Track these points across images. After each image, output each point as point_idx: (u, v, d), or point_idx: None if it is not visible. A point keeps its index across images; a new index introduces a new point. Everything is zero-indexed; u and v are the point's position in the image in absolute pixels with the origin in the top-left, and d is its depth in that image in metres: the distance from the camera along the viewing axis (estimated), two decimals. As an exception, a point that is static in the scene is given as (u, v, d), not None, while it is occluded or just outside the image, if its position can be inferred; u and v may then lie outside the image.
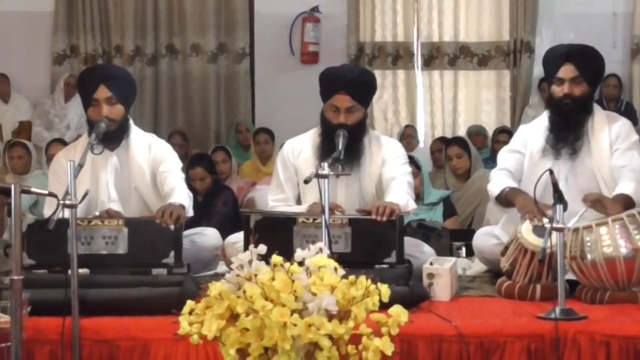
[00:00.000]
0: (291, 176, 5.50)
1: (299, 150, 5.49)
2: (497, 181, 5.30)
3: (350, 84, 5.28)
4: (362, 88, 5.37)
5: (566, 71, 5.24)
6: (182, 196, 5.11)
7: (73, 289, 4.06)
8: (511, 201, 5.12)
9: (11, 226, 3.69)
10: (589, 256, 4.57)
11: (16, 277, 3.58)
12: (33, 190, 3.87)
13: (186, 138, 9.91)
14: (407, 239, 5.07)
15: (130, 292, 4.52)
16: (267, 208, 5.54)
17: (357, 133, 5.29)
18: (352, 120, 5.26)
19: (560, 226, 4.35)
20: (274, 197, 5.53)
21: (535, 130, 5.40)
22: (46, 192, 4.05)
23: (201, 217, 6.31)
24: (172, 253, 4.81)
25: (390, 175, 5.33)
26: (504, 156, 5.45)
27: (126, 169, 5.31)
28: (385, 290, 3.32)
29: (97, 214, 5.04)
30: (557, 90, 5.27)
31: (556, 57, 5.33)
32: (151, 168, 5.31)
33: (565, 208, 4.41)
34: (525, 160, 5.35)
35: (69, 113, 10.36)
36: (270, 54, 10.75)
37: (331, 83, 5.34)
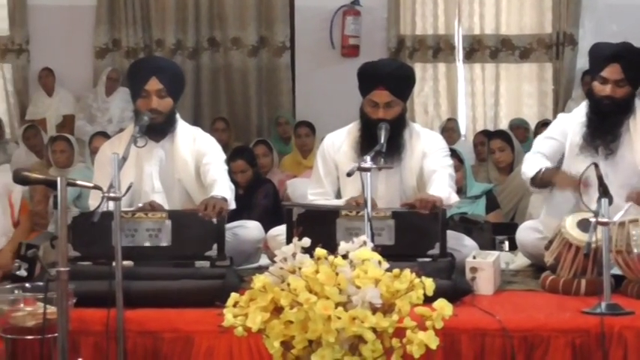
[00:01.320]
0: (330, 170, 5.49)
1: (339, 144, 5.48)
2: (532, 163, 5.24)
3: (388, 79, 5.26)
4: (400, 83, 5.35)
5: (612, 72, 5.16)
6: (224, 189, 5.12)
7: (118, 281, 4.08)
8: (548, 180, 5.07)
9: (57, 219, 3.71)
10: (635, 250, 4.52)
11: (61, 269, 3.60)
12: (78, 182, 3.89)
13: (229, 124, 9.94)
14: (449, 232, 5.05)
15: (173, 285, 4.55)
16: (306, 200, 5.54)
17: (397, 128, 5.27)
18: (391, 115, 5.24)
19: (605, 220, 4.31)
20: (313, 191, 5.53)
21: (574, 121, 5.33)
22: (91, 184, 4.06)
23: (242, 210, 6.32)
24: (215, 246, 4.82)
25: (431, 168, 5.30)
26: (540, 141, 5.41)
27: (170, 160, 5.34)
28: (429, 284, 3.31)
29: (141, 205, 5.07)
30: (599, 88, 5.21)
31: (603, 55, 5.24)
32: (195, 160, 5.33)
33: (610, 202, 4.37)
34: (565, 149, 5.29)
35: (111, 107, 10.42)
36: (311, 47, 10.74)
37: (369, 78, 5.32)
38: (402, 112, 5.33)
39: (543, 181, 5.13)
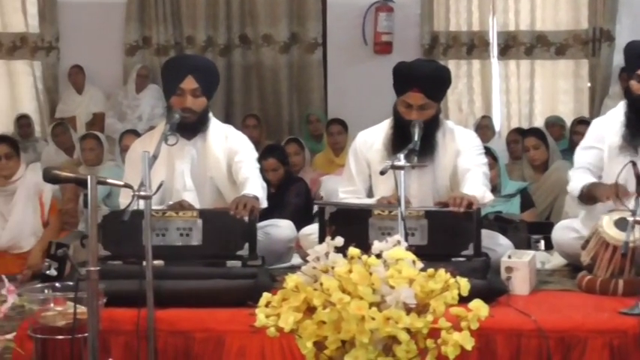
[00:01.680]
0: (362, 169, 5.49)
1: (371, 142, 5.48)
2: (577, 180, 5.21)
3: (423, 81, 5.23)
4: (436, 85, 5.33)
5: None
6: (256, 187, 5.13)
7: (148, 280, 4.08)
8: (592, 194, 5.05)
9: (87, 218, 3.72)
10: (674, 249, 4.49)
11: (92, 268, 3.61)
12: (109, 181, 3.90)
13: (260, 121, 9.95)
14: (483, 231, 5.02)
15: (204, 284, 4.55)
16: (337, 199, 5.54)
17: (430, 128, 5.25)
18: (425, 116, 5.22)
19: (642, 219, 4.29)
20: (344, 189, 5.53)
21: (610, 123, 5.29)
22: (122, 183, 4.07)
23: (274, 209, 6.32)
24: (247, 245, 4.83)
25: (465, 167, 5.29)
26: (580, 154, 5.36)
27: (202, 158, 5.35)
28: (464, 284, 3.29)
29: (171, 202, 5.08)
30: (636, 87, 5.16)
31: (638, 53, 5.20)
32: (227, 158, 5.34)
33: (649, 201, 4.34)
34: (604, 154, 5.25)
35: (141, 104, 10.46)
36: (343, 44, 10.73)
37: (404, 79, 5.30)
38: (435, 113, 5.32)
39: (588, 198, 5.10)
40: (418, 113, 5.20)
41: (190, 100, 5.23)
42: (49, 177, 3.90)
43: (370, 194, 5.45)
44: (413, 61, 5.60)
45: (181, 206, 4.99)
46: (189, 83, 5.24)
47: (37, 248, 6.66)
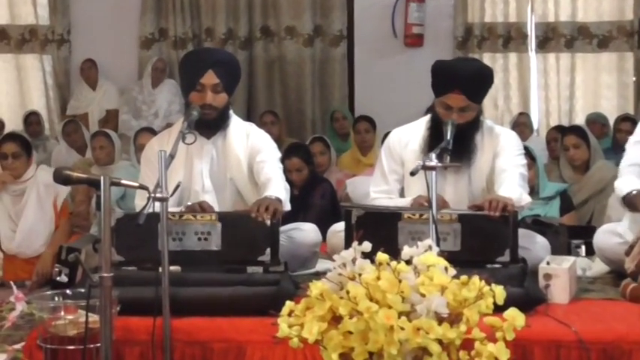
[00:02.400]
0: (395, 168, 5.49)
1: (406, 141, 5.48)
2: (626, 181, 5.20)
3: (466, 82, 5.22)
4: (479, 87, 5.33)
5: None
6: (279, 189, 5.12)
7: (164, 287, 4.09)
8: (634, 204, 5.04)
9: (100, 221, 3.74)
10: None
11: (105, 275, 3.63)
12: (123, 182, 3.91)
13: (278, 117, 9.97)
14: (519, 230, 5.00)
15: (223, 291, 4.56)
16: (368, 199, 5.54)
17: (469, 130, 5.27)
18: (465, 119, 5.23)
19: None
20: (376, 189, 5.54)
21: None
22: (136, 184, 4.08)
23: (297, 212, 6.33)
24: (268, 250, 4.81)
25: (502, 167, 5.28)
26: (632, 148, 5.35)
27: (222, 158, 5.36)
28: (500, 292, 3.29)
29: (189, 203, 5.09)
30: None
31: None
32: (248, 158, 5.34)
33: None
34: None
35: (157, 100, 10.47)
36: (371, 36, 10.71)
37: (445, 80, 5.29)
38: (476, 116, 5.32)
39: (631, 205, 5.09)
40: (458, 115, 5.20)
41: (211, 96, 5.23)
42: (61, 178, 3.90)
43: (402, 196, 5.45)
44: (454, 60, 5.61)
45: (201, 208, 4.97)
46: (210, 78, 5.24)
47: (47, 253, 6.69)
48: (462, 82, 5.21)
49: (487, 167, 5.34)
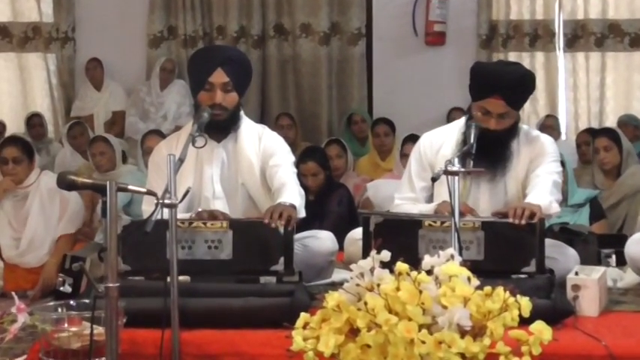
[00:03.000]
0: (424, 174, 5.45)
1: (438, 146, 5.47)
2: None
3: (507, 88, 5.21)
4: (520, 94, 5.35)
5: None
6: (293, 195, 5.12)
7: (173, 298, 4.10)
8: None
9: (105, 228, 3.74)
10: None
11: (111, 285, 3.64)
12: (130, 187, 3.91)
13: (294, 121, 9.98)
14: (547, 240, 4.99)
15: (235, 303, 4.57)
16: (391, 205, 5.53)
17: (506, 137, 5.27)
18: (503, 125, 5.23)
19: None
20: (402, 195, 5.53)
21: None
22: (144, 190, 4.08)
23: (313, 219, 6.33)
24: (282, 259, 4.82)
25: (535, 173, 5.29)
26: None
27: (233, 162, 5.36)
28: (526, 303, 3.29)
29: (200, 210, 5.09)
30: None
31: None
32: (261, 162, 5.34)
33: None
34: None
35: (166, 101, 10.48)
36: (390, 35, 10.71)
37: (485, 84, 5.28)
38: (515, 122, 5.32)
39: None
40: (497, 122, 5.20)
41: (220, 95, 5.23)
42: (64, 183, 3.90)
43: (430, 202, 5.44)
44: (496, 63, 5.61)
45: (213, 216, 4.98)
46: (219, 77, 5.24)
47: (51, 262, 6.70)
48: (503, 87, 5.20)
49: (522, 175, 5.34)
